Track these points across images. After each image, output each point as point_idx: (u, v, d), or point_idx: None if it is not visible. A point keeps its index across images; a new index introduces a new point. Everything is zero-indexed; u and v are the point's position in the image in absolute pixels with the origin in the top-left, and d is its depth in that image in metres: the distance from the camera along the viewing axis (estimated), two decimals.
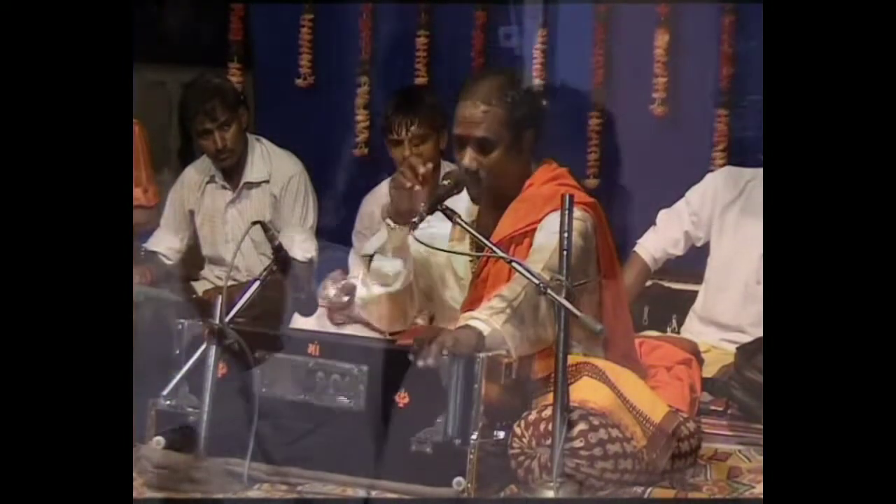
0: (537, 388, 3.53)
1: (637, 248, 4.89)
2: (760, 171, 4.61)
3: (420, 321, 3.98)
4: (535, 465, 3.38)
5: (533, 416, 3.42)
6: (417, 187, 3.57)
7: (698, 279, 4.86)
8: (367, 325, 4.09)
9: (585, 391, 3.46)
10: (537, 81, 5.44)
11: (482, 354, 3.36)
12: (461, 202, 3.72)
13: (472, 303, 3.68)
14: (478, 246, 3.67)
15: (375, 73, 5.72)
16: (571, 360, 3.40)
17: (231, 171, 5.23)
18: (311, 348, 3.51)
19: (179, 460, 3.44)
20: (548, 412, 3.37)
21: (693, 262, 4.92)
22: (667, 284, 5.11)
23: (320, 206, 5.31)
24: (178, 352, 3.58)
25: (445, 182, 3.65)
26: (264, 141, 5.31)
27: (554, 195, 3.59)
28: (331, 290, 3.75)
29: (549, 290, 3.32)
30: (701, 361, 4.12)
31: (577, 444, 3.37)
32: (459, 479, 3.32)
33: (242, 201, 5.24)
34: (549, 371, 3.41)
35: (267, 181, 5.24)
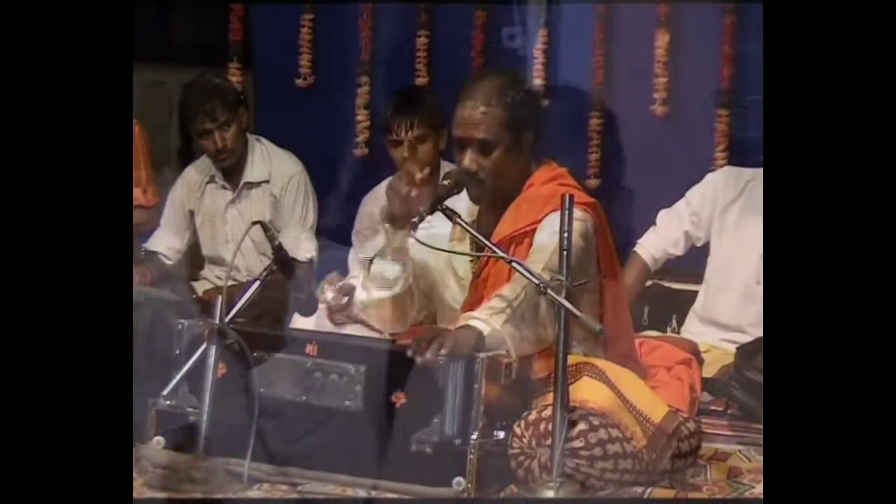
0: (537, 388, 3.53)
1: (637, 248, 4.89)
2: (760, 171, 4.61)
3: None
4: (535, 465, 3.38)
5: (533, 416, 3.43)
6: (415, 192, 3.58)
7: (698, 279, 4.86)
8: (367, 324, 4.09)
9: (585, 391, 3.46)
10: (538, 81, 5.44)
11: (482, 354, 3.37)
12: (461, 202, 3.72)
13: (472, 303, 3.68)
14: (478, 246, 3.67)
15: (375, 73, 5.72)
16: (571, 360, 3.40)
17: (231, 171, 5.22)
18: (310, 348, 3.51)
19: (179, 460, 3.44)
20: (548, 412, 3.37)
21: (693, 262, 4.92)
22: (667, 284, 5.11)
23: (320, 206, 5.31)
24: (178, 352, 3.58)
25: (445, 182, 3.65)
26: (264, 141, 5.30)
27: (554, 195, 3.59)
28: (328, 293, 3.74)
29: (549, 290, 3.32)
30: (701, 361, 4.12)
31: (577, 444, 3.37)
32: (459, 479, 3.32)
33: (242, 201, 5.24)
34: (549, 371, 3.42)
35: (267, 181, 5.24)
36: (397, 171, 4.99)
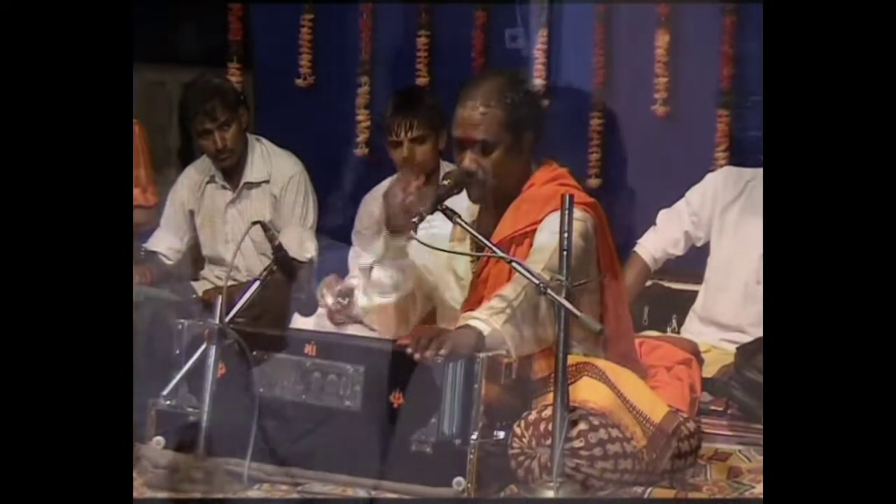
0: (537, 388, 3.53)
1: (637, 248, 4.89)
2: (760, 171, 4.61)
3: None
4: (535, 465, 3.38)
5: (533, 416, 3.43)
6: (411, 199, 3.58)
7: (698, 279, 4.86)
8: (367, 324, 4.09)
9: (585, 391, 3.46)
10: (539, 82, 5.44)
11: (482, 354, 3.37)
12: (462, 202, 3.72)
13: (472, 303, 3.68)
14: (478, 246, 3.67)
15: (375, 73, 5.72)
16: (571, 360, 3.40)
17: (231, 171, 5.23)
18: (308, 348, 3.51)
19: (179, 460, 3.44)
20: (548, 412, 3.37)
21: (693, 262, 4.92)
22: (667, 284, 5.10)
23: (320, 205, 5.31)
24: (178, 352, 3.58)
25: (445, 182, 3.66)
26: (264, 141, 5.30)
27: (554, 195, 3.59)
28: (328, 297, 3.75)
29: (549, 290, 3.32)
30: (701, 361, 4.11)
31: (577, 444, 3.37)
32: (459, 479, 3.32)
33: (242, 201, 5.24)
34: (549, 371, 3.42)
35: (267, 181, 5.24)
36: (397, 171, 5.00)
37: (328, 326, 3.98)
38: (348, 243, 5.09)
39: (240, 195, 5.24)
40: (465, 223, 3.59)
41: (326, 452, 3.45)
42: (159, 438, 3.51)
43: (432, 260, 3.76)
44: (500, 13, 5.63)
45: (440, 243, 3.67)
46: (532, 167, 3.78)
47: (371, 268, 3.70)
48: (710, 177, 4.90)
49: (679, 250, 4.89)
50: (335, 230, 5.34)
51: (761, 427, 3.31)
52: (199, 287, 5.22)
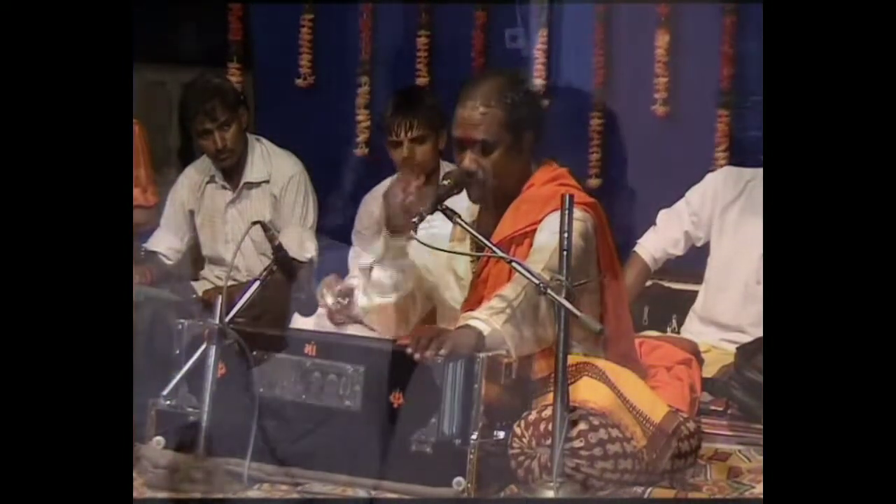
0: (537, 388, 3.53)
1: (637, 248, 4.89)
2: (760, 170, 4.61)
3: None
4: (535, 465, 3.38)
5: (533, 416, 3.43)
6: (411, 200, 3.58)
7: (698, 279, 4.86)
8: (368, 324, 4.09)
9: (585, 391, 3.46)
10: (539, 82, 5.44)
11: (482, 354, 3.37)
12: (462, 202, 3.72)
13: (472, 303, 3.68)
14: (478, 246, 3.67)
15: (375, 73, 5.72)
16: (571, 360, 3.40)
17: (231, 171, 5.23)
18: (308, 348, 3.52)
19: (179, 460, 3.44)
20: (548, 412, 3.37)
21: (693, 262, 4.92)
22: (667, 284, 5.10)
23: (320, 205, 5.31)
24: (178, 352, 3.58)
25: (445, 182, 3.66)
26: (264, 141, 5.30)
27: (554, 195, 3.59)
28: (328, 298, 3.75)
29: (549, 290, 3.32)
30: (701, 361, 4.11)
31: (577, 444, 3.37)
32: (459, 479, 3.32)
33: (242, 201, 5.24)
34: (549, 371, 3.42)
35: (267, 181, 5.24)
36: (397, 171, 5.00)
37: (328, 326, 3.98)
38: (348, 243, 5.09)
39: (240, 195, 5.24)
40: (465, 223, 3.59)
41: (326, 452, 3.45)
42: (159, 438, 3.51)
43: (432, 260, 3.76)
44: (500, 13, 5.63)
45: (440, 243, 3.67)
46: (532, 167, 3.78)
47: (371, 268, 3.70)
48: (710, 177, 4.90)
49: (679, 250, 4.89)
50: (335, 230, 5.34)
51: (761, 427, 3.32)
52: (199, 287, 5.22)
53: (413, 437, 3.38)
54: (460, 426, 3.35)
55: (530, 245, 3.64)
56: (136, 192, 5.17)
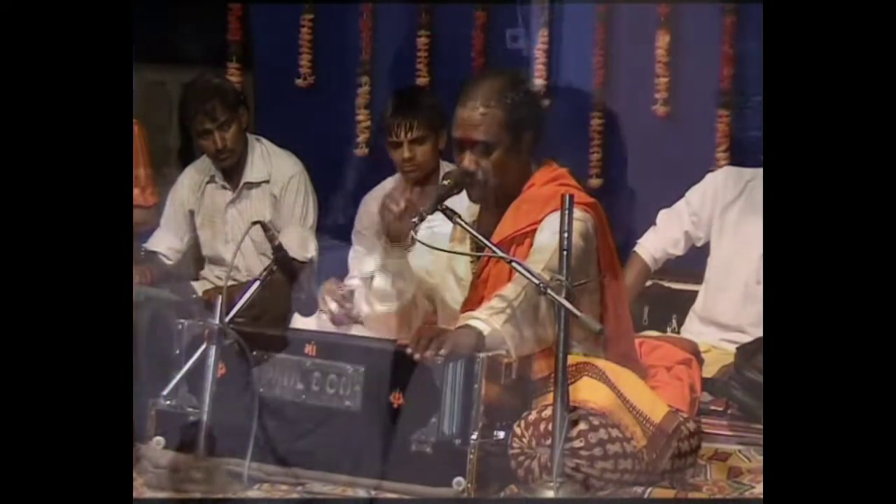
0: (537, 388, 3.53)
1: (637, 248, 4.89)
2: (760, 170, 4.61)
3: None
4: (535, 465, 3.38)
5: (533, 416, 3.42)
6: (406, 208, 3.58)
7: (698, 279, 4.86)
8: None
9: (585, 391, 3.46)
10: (539, 82, 5.44)
11: (482, 354, 3.37)
12: (462, 202, 3.72)
13: (472, 303, 3.68)
14: (478, 246, 3.67)
15: (375, 73, 5.72)
16: (571, 360, 3.40)
17: (231, 171, 5.23)
18: (309, 348, 3.52)
19: (179, 460, 3.44)
20: (548, 412, 3.37)
21: (693, 262, 4.92)
22: (667, 284, 5.10)
23: (320, 205, 5.31)
24: (178, 352, 3.58)
25: (445, 182, 3.66)
26: (264, 141, 5.30)
27: (554, 196, 3.58)
28: (331, 304, 3.75)
29: (549, 290, 3.32)
30: (701, 361, 4.11)
31: (577, 444, 3.37)
32: (459, 479, 3.32)
33: (242, 201, 5.24)
34: (549, 371, 3.41)
35: (267, 181, 5.24)
36: (397, 171, 5.01)
37: (328, 326, 3.98)
38: (348, 243, 5.09)
39: (240, 195, 5.24)
40: (465, 223, 3.59)
41: (326, 452, 3.45)
42: (159, 438, 3.52)
43: (432, 261, 3.76)
44: (501, 13, 5.64)
45: (440, 243, 3.67)
46: (532, 167, 3.78)
47: (372, 276, 3.70)
48: (709, 177, 4.90)
49: (679, 250, 4.89)
50: (335, 230, 5.34)
51: (761, 427, 3.31)
52: (199, 287, 5.22)
53: (413, 437, 3.38)
54: (460, 426, 3.35)
55: (530, 245, 3.64)
56: (136, 192, 5.18)
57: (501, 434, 3.41)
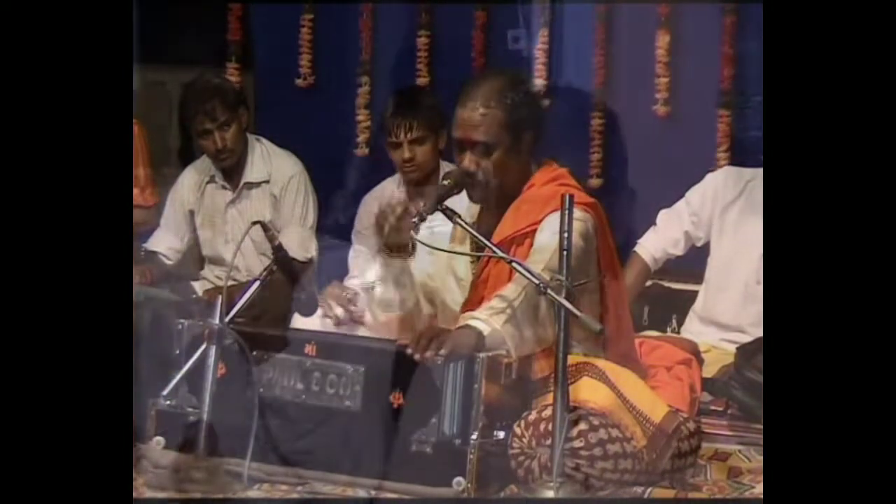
0: (537, 388, 3.53)
1: (637, 248, 4.89)
2: (760, 170, 4.61)
3: None
4: (535, 465, 3.38)
5: (533, 416, 3.42)
6: (403, 223, 3.58)
7: (698, 279, 4.86)
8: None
9: (585, 391, 3.46)
10: (539, 82, 5.44)
11: (482, 354, 3.37)
12: (462, 203, 3.72)
13: (472, 304, 3.68)
14: (478, 247, 3.66)
15: (375, 73, 5.72)
16: (571, 360, 3.40)
17: (231, 171, 5.22)
18: (309, 348, 3.52)
19: (179, 460, 3.44)
20: (548, 412, 3.37)
21: (693, 262, 4.92)
22: (667, 284, 5.10)
23: (320, 205, 5.31)
24: (178, 352, 3.58)
25: (445, 182, 3.66)
26: (264, 141, 5.30)
27: (554, 196, 3.58)
28: (336, 309, 3.75)
29: (549, 290, 3.32)
30: (701, 361, 4.11)
31: (577, 444, 3.37)
32: (459, 479, 3.32)
33: (242, 201, 5.24)
34: (549, 371, 3.41)
35: (267, 181, 5.24)
36: (397, 171, 5.00)
37: (329, 326, 3.98)
38: (348, 243, 5.09)
39: (240, 195, 5.24)
40: (466, 223, 3.59)
41: (326, 452, 3.45)
42: (159, 438, 3.52)
43: (432, 262, 3.76)
44: (501, 13, 5.63)
45: (440, 244, 3.67)
46: (532, 167, 3.77)
47: (373, 287, 3.70)
48: (709, 177, 4.90)
49: (679, 250, 4.89)
50: (335, 230, 5.34)
51: (761, 427, 3.31)
52: (199, 287, 5.22)
53: (413, 437, 3.38)
54: (460, 426, 3.35)
55: (531, 245, 3.64)
56: (135, 192, 5.17)
57: (501, 434, 3.41)
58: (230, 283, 4.45)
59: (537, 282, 3.35)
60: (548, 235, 3.57)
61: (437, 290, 3.80)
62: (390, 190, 5.08)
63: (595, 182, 5.43)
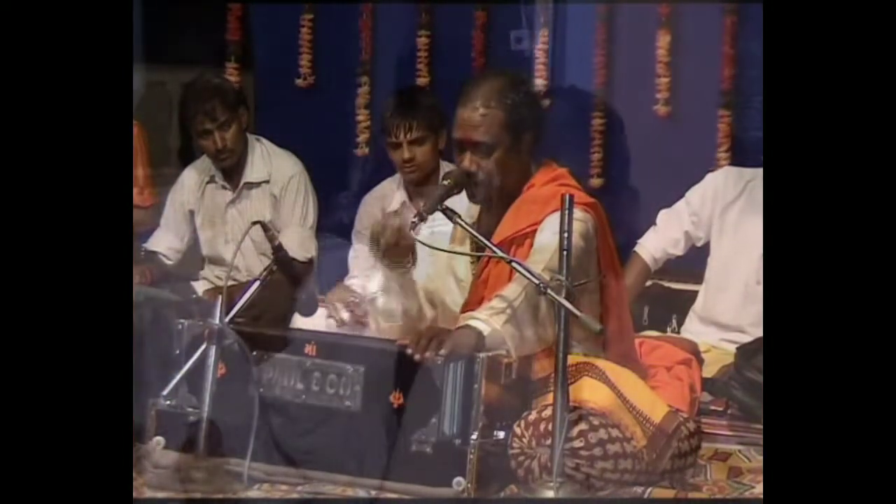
0: (537, 388, 3.53)
1: (637, 248, 4.89)
2: (760, 170, 4.61)
3: None
4: (535, 465, 3.38)
5: (533, 416, 3.42)
6: (400, 237, 3.58)
7: (698, 279, 4.86)
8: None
9: (585, 391, 3.46)
10: (540, 82, 5.44)
11: (482, 354, 3.37)
12: (462, 203, 3.72)
13: (472, 304, 3.68)
14: (478, 247, 3.66)
15: (375, 73, 5.72)
16: (571, 360, 3.40)
17: (231, 171, 5.22)
18: (309, 348, 3.52)
19: (179, 460, 3.44)
20: (548, 412, 3.37)
21: (693, 262, 4.92)
22: (667, 284, 5.10)
23: (320, 205, 5.31)
24: (178, 352, 3.58)
25: (445, 182, 3.66)
26: (264, 141, 5.30)
27: (554, 196, 3.58)
28: (342, 312, 3.75)
29: (549, 291, 3.32)
30: (701, 361, 4.12)
31: (577, 444, 3.37)
32: (459, 479, 3.32)
33: (242, 201, 5.24)
34: (549, 371, 3.41)
35: (267, 181, 5.24)
36: (397, 171, 5.00)
37: (331, 326, 3.99)
38: (348, 243, 5.10)
39: (240, 195, 5.24)
40: (466, 223, 3.59)
41: (326, 452, 3.45)
42: (159, 438, 3.52)
43: (432, 263, 3.76)
44: (501, 13, 5.63)
45: (440, 244, 3.67)
46: (532, 168, 3.77)
47: (375, 298, 3.70)
48: (710, 177, 4.90)
49: (679, 250, 4.89)
50: (336, 230, 5.34)
51: (761, 427, 3.31)
52: (199, 287, 5.22)
53: (413, 437, 3.38)
54: (460, 426, 3.35)
55: (531, 246, 3.64)
56: (133, 192, 5.17)
57: (501, 434, 3.41)
58: (230, 283, 4.45)
59: (537, 282, 3.35)
60: (548, 235, 3.57)
61: (437, 290, 3.80)
62: (390, 190, 5.08)
63: (595, 182, 5.43)
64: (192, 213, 5.30)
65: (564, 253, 3.38)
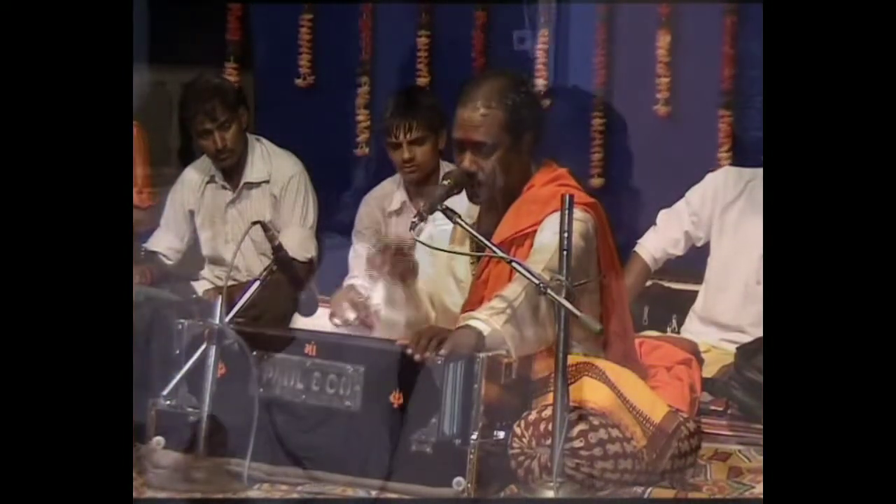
0: (537, 388, 3.53)
1: (637, 248, 4.89)
2: (760, 170, 4.61)
3: None
4: (535, 465, 3.38)
5: (533, 416, 3.42)
6: (397, 262, 3.59)
7: (698, 279, 4.86)
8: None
9: (585, 391, 3.46)
10: (540, 82, 5.44)
11: (482, 354, 3.37)
12: (462, 203, 3.72)
13: (472, 304, 3.68)
14: (478, 247, 3.66)
15: (375, 73, 5.72)
16: (571, 360, 3.40)
17: (231, 171, 5.22)
18: (309, 348, 3.52)
19: (179, 460, 3.44)
20: (548, 412, 3.37)
21: (693, 262, 4.92)
22: (667, 284, 5.10)
23: (320, 205, 5.31)
24: (178, 352, 3.58)
25: (445, 182, 3.66)
26: (264, 141, 5.30)
27: (554, 196, 3.58)
28: (349, 314, 3.74)
29: (549, 291, 3.32)
30: (701, 361, 4.11)
31: (577, 444, 3.37)
32: (459, 479, 3.32)
33: (242, 201, 5.24)
34: (549, 371, 3.41)
35: (267, 181, 5.24)
36: (397, 171, 5.00)
37: (328, 326, 3.98)
38: (348, 243, 5.10)
39: (240, 195, 5.24)
40: (466, 223, 3.59)
41: (326, 453, 3.45)
42: (159, 438, 3.52)
43: (432, 263, 3.76)
44: (502, 13, 5.63)
45: (440, 244, 3.68)
46: (532, 168, 3.77)
47: (379, 310, 3.70)
48: (710, 177, 4.90)
49: (679, 250, 4.89)
50: (335, 230, 5.34)
51: (761, 427, 3.31)
52: (199, 287, 5.22)
53: (413, 437, 3.38)
54: (460, 426, 3.35)
55: (531, 246, 3.64)
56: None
57: (501, 434, 3.41)
58: (230, 283, 4.45)
59: (537, 282, 3.35)
60: (548, 236, 3.57)
61: (437, 291, 3.80)
62: (390, 190, 5.08)
63: (596, 182, 5.43)
64: (192, 213, 5.30)
65: (564, 253, 3.38)
